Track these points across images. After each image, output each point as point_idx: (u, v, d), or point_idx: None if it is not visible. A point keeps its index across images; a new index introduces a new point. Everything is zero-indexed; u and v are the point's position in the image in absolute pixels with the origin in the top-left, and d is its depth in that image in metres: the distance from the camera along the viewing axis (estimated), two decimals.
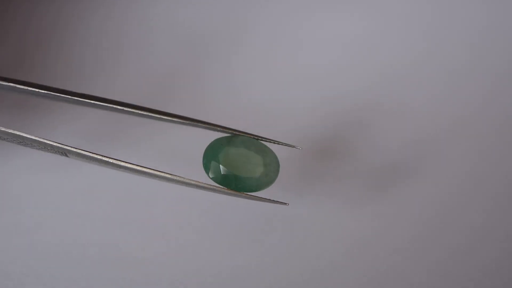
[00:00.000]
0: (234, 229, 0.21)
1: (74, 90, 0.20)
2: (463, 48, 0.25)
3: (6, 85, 0.19)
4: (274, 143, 0.19)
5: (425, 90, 0.25)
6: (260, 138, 0.19)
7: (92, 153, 0.18)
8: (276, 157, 0.19)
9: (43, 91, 0.19)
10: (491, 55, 0.25)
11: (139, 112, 0.19)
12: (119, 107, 0.19)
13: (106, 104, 0.19)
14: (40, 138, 0.18)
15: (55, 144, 0.18)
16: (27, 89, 0.19)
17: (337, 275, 0.20)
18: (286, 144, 0.19)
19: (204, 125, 0.19)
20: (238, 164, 0.18)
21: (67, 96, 0.20)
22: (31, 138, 0.18)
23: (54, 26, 0.26)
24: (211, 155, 0.19)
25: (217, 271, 0.20)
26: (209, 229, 0.21)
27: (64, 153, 0.19)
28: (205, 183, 0.18)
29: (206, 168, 0.19)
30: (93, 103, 0.19)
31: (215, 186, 0.18)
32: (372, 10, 0.27)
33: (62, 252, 0.21)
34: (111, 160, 0.18)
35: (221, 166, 0.18)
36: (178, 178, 0.18)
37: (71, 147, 0.18)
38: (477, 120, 0.24)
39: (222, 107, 0.24)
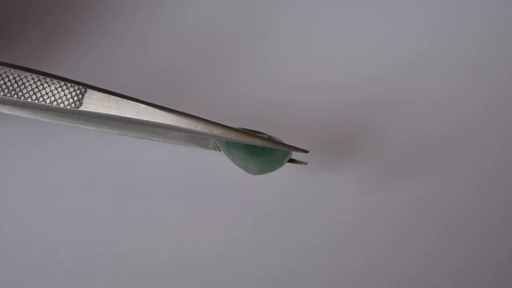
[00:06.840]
0: (240, 216, 0.22)
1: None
2: (474, 44, 0.26)
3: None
4: (283, 148, 0.19)
5: (437, 85, 0.25)
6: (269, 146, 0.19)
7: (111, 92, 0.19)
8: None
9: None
10: (501, 50, 0.26)
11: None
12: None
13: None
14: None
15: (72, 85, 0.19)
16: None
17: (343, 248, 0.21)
18: (295, 149, 0.19)
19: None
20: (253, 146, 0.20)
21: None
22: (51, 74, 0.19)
23: (59, 22, 0.26)
24: (227, 146, 0.20)
25: (217, 260, 0.21)
26: (210, 221, 0.22)
27: (82, 94, 0.19)
28: (242, 129, 0.19)
29: (229, 154, 0.20)
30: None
31: (251, 133, 0.19)
32: (383, 5, 0.27)
33: (62, 246, 0.21)
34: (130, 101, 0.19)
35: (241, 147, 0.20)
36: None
37: (90, 85, 0.19)
38: (489, 116, 0.24)
39: (224, 105, 0.24)
